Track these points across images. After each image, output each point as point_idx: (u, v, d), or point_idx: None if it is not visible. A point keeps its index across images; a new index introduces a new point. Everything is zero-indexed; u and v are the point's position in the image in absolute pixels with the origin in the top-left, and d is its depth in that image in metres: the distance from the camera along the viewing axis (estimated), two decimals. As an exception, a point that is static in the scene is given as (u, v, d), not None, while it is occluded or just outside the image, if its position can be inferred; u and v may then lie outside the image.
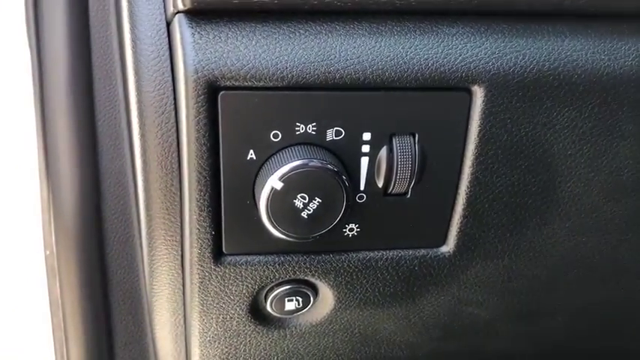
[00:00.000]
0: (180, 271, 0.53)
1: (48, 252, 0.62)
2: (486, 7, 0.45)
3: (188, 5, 0.41)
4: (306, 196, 0.44)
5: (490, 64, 0.45)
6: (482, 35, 0.45)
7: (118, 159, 0.58)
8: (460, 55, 0.44)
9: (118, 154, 0.58)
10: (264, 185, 0.44)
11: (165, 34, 0.45)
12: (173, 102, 0.45)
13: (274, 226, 0.45)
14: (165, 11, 0.45)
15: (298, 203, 0.45)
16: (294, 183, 0.44)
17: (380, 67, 0.43)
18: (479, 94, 0.45)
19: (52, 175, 0.59)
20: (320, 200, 0.45)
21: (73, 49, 0.56)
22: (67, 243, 0.60)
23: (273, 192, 0.44)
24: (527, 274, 0.56)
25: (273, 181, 0.44)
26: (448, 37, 0.44)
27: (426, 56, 0.44)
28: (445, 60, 0.44)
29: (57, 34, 0.56)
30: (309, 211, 0.45)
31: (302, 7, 0.42)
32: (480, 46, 0.45)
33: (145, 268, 0.55)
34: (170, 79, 0.45)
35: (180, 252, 0.51)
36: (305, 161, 0.44)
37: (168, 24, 0.45)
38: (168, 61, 0.45)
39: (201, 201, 0.46)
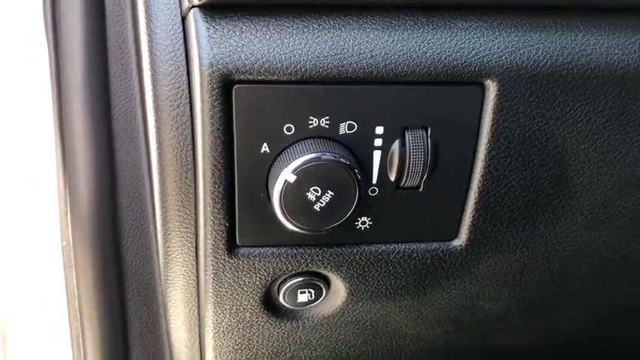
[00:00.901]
0: (194, 263, 0.53)
1: (64, 243, 0.62)
2: (499, 0, 0.45)
3: (203, 0, 0.42)
4: (318, 189, 0.45)
5: (503, 58, 0.45)
6: (495, 29, 0.45)
7: (134, 152, 0.58)
8: (473, 50, 0.44)
9: (133, 147, 0.58)
10: (277, 178, 0.45)
11: (181, 29, 0.45)
12: (188, 95, 0.45)
13: (287, 219, 0.46)
14: (180, 6, 0.46)
15: (311, 196, 0.45)
16: (307, 176, 0.44)
17: (393, 61, 0.44)
18: (492, 88, 0.45)
19: (68, 167, 0.59)
20: (333, 193, 0.45)
21: (90, 44, 0.56)
22: (83, 234, 0.61)
23: (287, 185, 0.44)
24: (539, 268, 0.56)
25: (287, 174, 0.44)
26: (461, 32, 0.44)
27: (438, 50, 0.44)
28: (458, 54, 0.44)
29: (73, 28, 0.56)
30: (322, 204, 0.45)
31: (315, 2, 0.43)
32: (492, 40, 0.45)
33: (159, 259, 0.55)
34: (185, 73, 0.45)
35: (194, 244, 0.52)
36: (318, 154, 0.44)
37: (184, 18, 0.45)
38: (184, 55, 0.45)
39: (216, 193, 0.47)
